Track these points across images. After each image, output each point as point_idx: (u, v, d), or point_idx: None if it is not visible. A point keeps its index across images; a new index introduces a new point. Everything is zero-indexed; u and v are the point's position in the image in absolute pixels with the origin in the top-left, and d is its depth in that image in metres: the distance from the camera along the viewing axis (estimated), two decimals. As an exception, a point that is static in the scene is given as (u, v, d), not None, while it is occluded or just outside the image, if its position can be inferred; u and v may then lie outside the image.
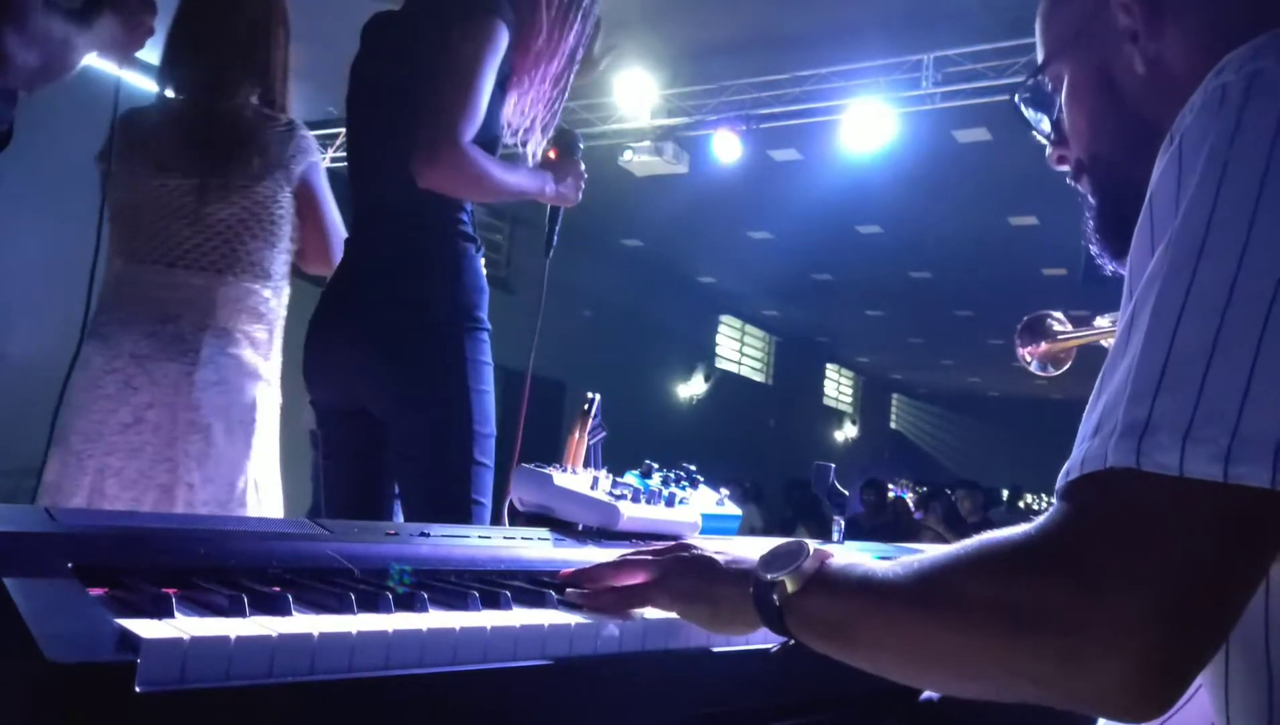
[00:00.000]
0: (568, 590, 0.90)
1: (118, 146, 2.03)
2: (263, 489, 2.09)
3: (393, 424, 1.85)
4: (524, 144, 2.01)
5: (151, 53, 1.94)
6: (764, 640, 0.82)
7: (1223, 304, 0.57)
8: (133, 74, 1.98)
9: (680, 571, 0.88)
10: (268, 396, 2.12)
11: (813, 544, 0.77)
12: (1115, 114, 0.84)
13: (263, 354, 2.12)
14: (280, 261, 2.14)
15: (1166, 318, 0.58)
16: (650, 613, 0.88)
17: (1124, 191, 0.78)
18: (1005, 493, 13.08)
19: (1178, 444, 0.55)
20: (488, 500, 1.81)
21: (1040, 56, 0.92)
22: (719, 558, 0.87)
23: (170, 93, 2.10)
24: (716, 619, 0.85)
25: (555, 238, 2.09)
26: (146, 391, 1.97)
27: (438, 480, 1.80)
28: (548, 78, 1.96)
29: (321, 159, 2.21)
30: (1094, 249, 0.90)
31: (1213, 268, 0.58)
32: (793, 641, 0.77)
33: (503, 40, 1.81)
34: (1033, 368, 1.91)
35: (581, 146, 2.09)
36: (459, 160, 1.77)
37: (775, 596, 0.75)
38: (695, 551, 0.90)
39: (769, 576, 0.76)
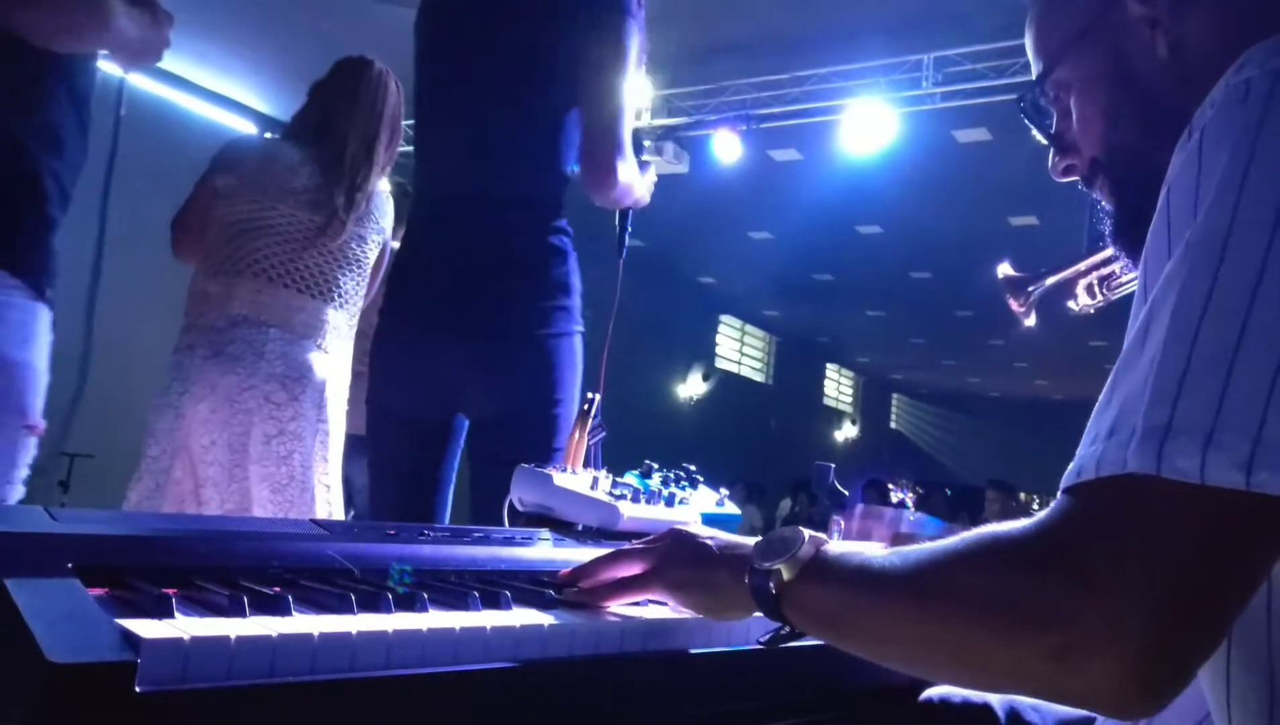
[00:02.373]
0: (566, 589, 0.90)
1: (247, 170, 2.34)
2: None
3: (483, 428, 1.84)
4: None
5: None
6: (765, 629, 0.81)
7: (1245, 307, 0.56)
8: (138, 75, 1.99)
9: (676, 560, 0.87)
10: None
11: (808, 532, 0.76)
12: (1134, 102, 0.83)
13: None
14: (359, 296, 2.48)
15: (1188, 320, 0.58)
16: (651, 612, 0.88)
17: (1147, 183, 0.76)
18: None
19: (1199, 450, 0.54)
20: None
21: (1039, 66, 0.90)
22: (714, 544, 0.87)
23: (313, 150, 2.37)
24: (714, 606, 0.85)
25: (628, 239, 2.05)
26: (289, 406, 2.25)
27: (498, 488, 1.79)
28: None
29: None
30: (1114, 250, 0.89)
31: (1235, 270, 0.57)
32: (788, 629, 0.77)
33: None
34: (1031, 321, 1.93)
35: (647, 146, 2.08)
36: (630, 176, 1.80)
37: (771, 584, 0.75)
38: (690, 538, 0.89)
39: (765, 564, 0.76)
